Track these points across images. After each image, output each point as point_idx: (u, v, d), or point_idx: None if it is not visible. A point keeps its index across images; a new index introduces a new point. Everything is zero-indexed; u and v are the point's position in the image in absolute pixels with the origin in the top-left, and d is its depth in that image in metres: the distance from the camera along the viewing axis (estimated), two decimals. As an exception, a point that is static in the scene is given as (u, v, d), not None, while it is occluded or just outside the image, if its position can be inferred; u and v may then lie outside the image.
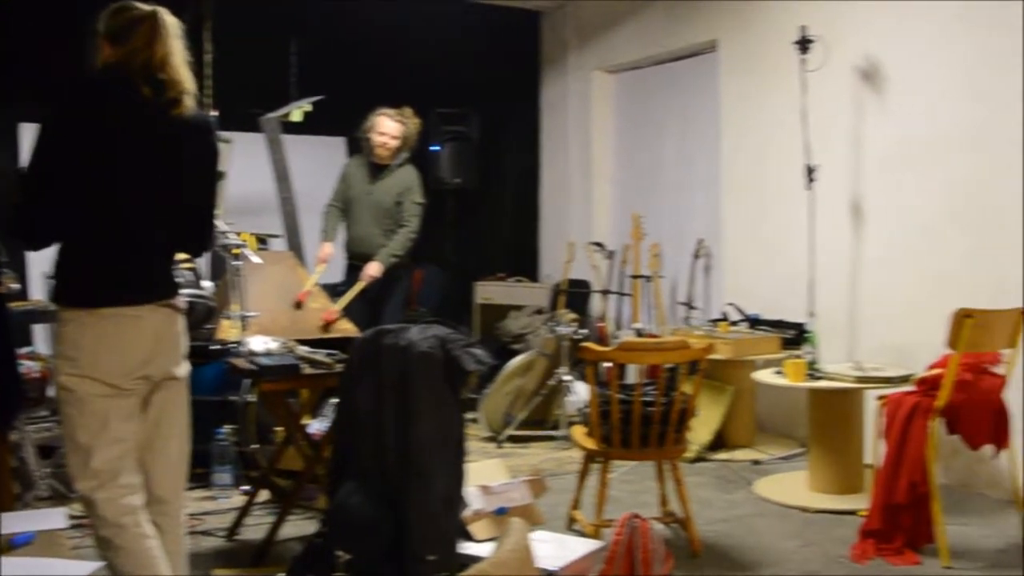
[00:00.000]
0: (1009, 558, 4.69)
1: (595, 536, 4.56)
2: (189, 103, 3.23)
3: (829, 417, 5.59)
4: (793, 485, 5.77)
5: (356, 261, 6.92)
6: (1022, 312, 4.74)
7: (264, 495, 5.05)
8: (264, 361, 4.45)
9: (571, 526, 4.99)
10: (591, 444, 4.73)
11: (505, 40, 9.49)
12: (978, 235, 5.72)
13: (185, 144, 3.25)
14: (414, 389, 3.92)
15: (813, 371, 5.53)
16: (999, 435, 4.79)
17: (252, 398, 5.59)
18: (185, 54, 3.25)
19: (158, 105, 3.16)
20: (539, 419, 7.06)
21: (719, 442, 6.57)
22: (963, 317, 4.51)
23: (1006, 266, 5.53)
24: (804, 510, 5.37)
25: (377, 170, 6.95)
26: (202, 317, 5.17)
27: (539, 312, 8.25)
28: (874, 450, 5.03)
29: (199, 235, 3.46)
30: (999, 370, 4.87)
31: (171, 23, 3.23)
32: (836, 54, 6.36)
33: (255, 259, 5.09)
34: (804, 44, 6.34)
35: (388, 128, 6.86)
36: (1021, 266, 5.45)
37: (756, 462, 6.35)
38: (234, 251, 4.91)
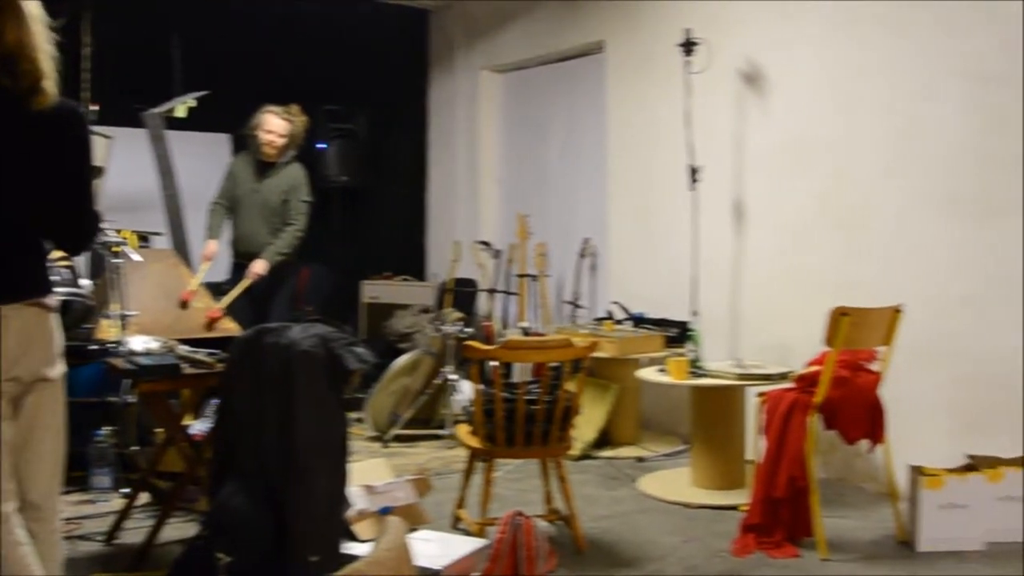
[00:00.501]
0: (883, 549, 4.82)
1: (480, 535, 4.57)
2: (51, 91, 3.10)
3: (711, 414, 5.69)
4: (676, 481, 5.85)
5: (242, 259, 6.84)
6: (896, 310, 4.87)
7: (144, 498, 4.96)
8: (143, 361, 4.36)
9: (456, 525, 4.99)
10: (475, 443, 4.73)
11: (393, 38, 9.45)
12: (853, 235, 5.87)
13: (47, 136, 3.13)
14: (295, 388, 3.88)
15: (696, 369, 5.62)
16: (875, 430, 4.90)
17: (132, 399, 5.48)
18: (48, 39, 3.11)
19: (15, 94, 3.04)
20: (425, 418, 7.04)
21: (604, 440, 6.62)
22: (840, 315, 4.61)
23: (881, 265, 5.69)
24: (687, 506, 5.44)
25: (264, 168, 6.88)
26: (79, 316, 5.03)
27: (425, 311, 8.23)
28: (755, 446, 5.12)
29: (73, 232, 3.34)
30: (875, 367, 4.99)
31: (30, 5, 3.10)
32: (719, 57, 6.47)
33: (135, 257, 5.00)
34: (688, 46, 6.42)
35: (275, 126, 6.79)
36: (896, 265, 5.62)
37: (640, 459, 6.42)
38: (114, 248, 4.81)
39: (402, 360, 7.12)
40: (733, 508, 5.26)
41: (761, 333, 6.37)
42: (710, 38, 6.44)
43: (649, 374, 5.84)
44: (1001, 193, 5.19)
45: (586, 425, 6.42)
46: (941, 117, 5.44)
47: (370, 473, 4.91)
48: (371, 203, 9.57)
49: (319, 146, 8.69)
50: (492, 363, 4.80)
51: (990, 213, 5.24)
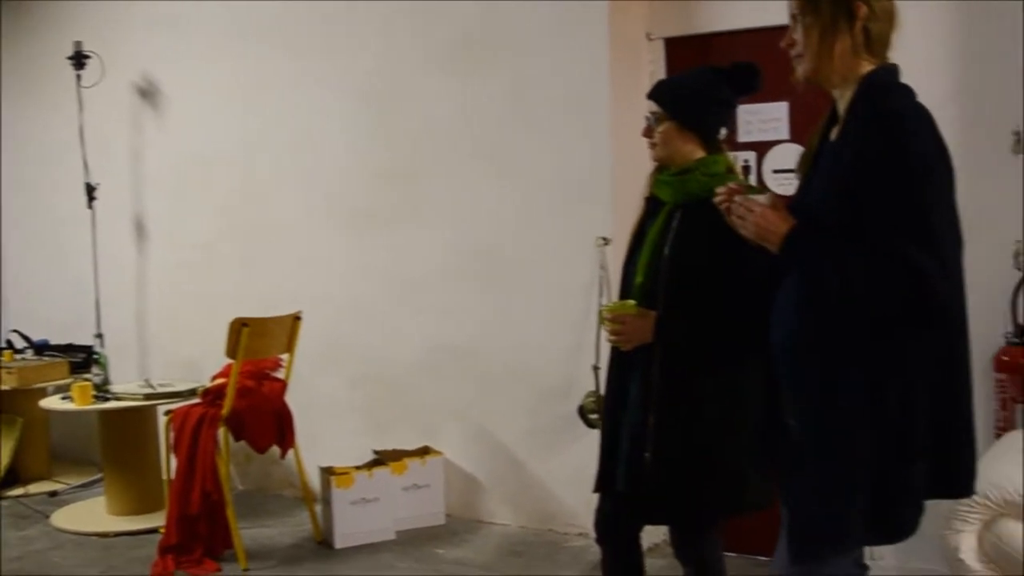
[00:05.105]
0: (303, 552, 4.97)
1: None
2: None
3: (122, 438, 5.53)
4: (92, 512, 5.63)
5: None
6: (296, 317, 5.00)
7: None
8: None
9: None
10: None
11: None
12: (254, 247, 5.98)
13: None
14: None
15: (102, 393, 5.43)
16: (284, 436, 5.02)
17: None
18: None
19: None
20: None
21: (12, 478, 6.21)
22: (240, 326, 4.67)
23: (282, 275, 5.84)
24: (103, 535, 5.26)
25: None
26: None
27: None
28: (169, 466, 5.04)
29: None
30: (280, 374, 5.11)
31: None
32: (113, 71, 6.29)
33: None
34: (80, 60, 6.20)
35: None
36: (296, 274, 5.79)
37: (53, 493, 6.09)
38: None
39: None
40: (153, 531, 5.15)
41: (170, 351, 6.29)
42: (103, 51, 6.25)
43: (53, 403, 5.56)
44: (388, 203, 5.52)
45: (-11, 464, 6.00)
46: (331, 132, 5.68)
47: None
48: None
49: None
50: None
51: (379, 222, 5.55)
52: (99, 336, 6.08)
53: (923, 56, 4.02)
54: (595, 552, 3.30)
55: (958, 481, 2.35)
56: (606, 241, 4.77)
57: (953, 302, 2.18)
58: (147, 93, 6.37)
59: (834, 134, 2.37)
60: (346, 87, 5.61)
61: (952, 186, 2.23)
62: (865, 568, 2.61)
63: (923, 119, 2.23)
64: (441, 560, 4.76)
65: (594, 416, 4.66)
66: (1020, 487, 3.12)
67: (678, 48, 4.93)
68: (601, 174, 4.83)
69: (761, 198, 2.38)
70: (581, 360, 4.85)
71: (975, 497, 3.07)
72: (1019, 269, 4.10)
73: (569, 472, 4.91)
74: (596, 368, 4.69)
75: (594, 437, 4.65)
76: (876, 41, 2.31)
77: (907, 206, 2.14)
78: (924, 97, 2.31)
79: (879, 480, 2.23)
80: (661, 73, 4.86)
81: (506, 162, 5.14)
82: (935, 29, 4.18)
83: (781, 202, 2.40)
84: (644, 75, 4.86)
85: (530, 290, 5.09)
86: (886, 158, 2.17)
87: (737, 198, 2.41)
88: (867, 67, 2.32)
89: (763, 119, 4.68)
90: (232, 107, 6.03)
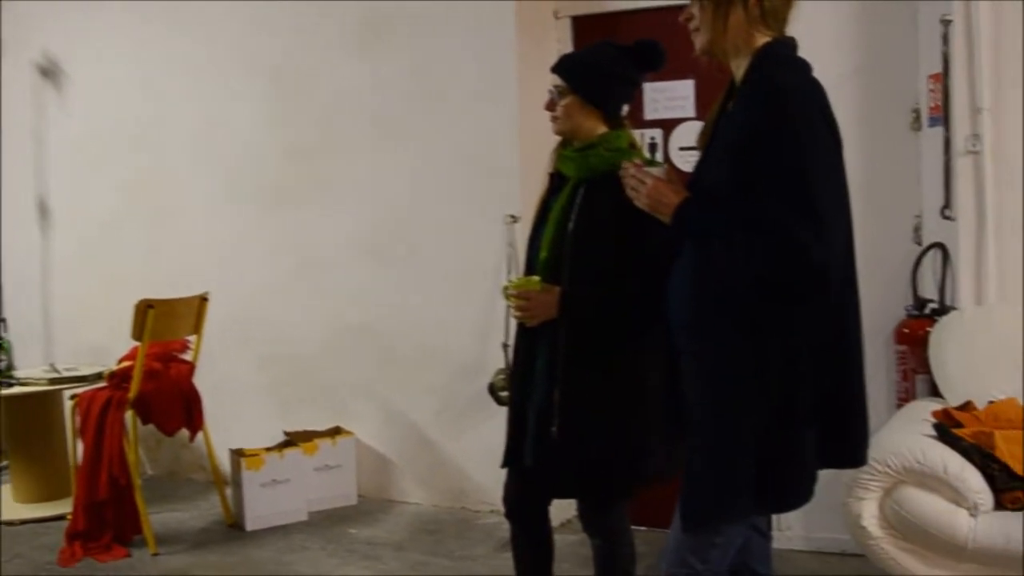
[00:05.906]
0: (214, 535, 4.94)
1: None
2: None
3: (27, 424, 5.43)
4: (-3, 500, 5.53)
5: None
6: (203, 298, 4.95)
7: None
8: None
9: None
10: None
11: None
12: (161, 228, 5.92)
13: None
14: None
15: (6, 378, 5.34)
16: (192, 419, 4.97)
17: None
18: None
19: None
20: None
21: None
22: (145, 308, 4.61)
23: (189, 256, 5.79)
24: (9, 524, 5.15)
25: None
26: None
27: None
28: (76, 451, 4.96)
29: None
30: (188, 356, 5.05)
31: None
32: (13, 50, 6.18)
33: None
34: (-22, 38, 6.08)
35: None
36: (203, 255, 5.74)
37: (-41, 483, 5.98)
38: None
39: None
40: (61, 518, 5.07)
41: (76, 334, 6.15)
42: (2, 29, 6.11)
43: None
44: (294, 183, 5.50)
45: None
46: (237, 111, 5.65)
47: None
48: None
49: None
50: None
51: (285, 201, 5.53)
52: (2, 321, 5.96)
53: (825, 33, 4.12)
54: (507, 528, 3.32)
55: (849, 450, 2.40)
56: (514, 219, 4.79)
57: (831, 270, 2.19)
58: (49, 72, 6.22)
59: (730, 106, 2.40)
60: (252, 66, 5.58)
61: (839, 160, 2.27)
62: (768, 537, 2.66)
63: (811, 92, 2.27)
64: (354, 540, 4.76)
65: (504, 394, 4.66)
66: (919, 455, 3.19)
67: (586, 26, 4.96)
68: (509, 153, 4.85)
69: (656, 170, 2.41)
70: (491, 338, 4.87)
71: (876, 465, 3.16)
72: (918, 243, 4.19)
73: (480, 450, 4.91)
74: (506, 346, 4.69)
75: (505, 415, 4.70)
76: (770, 14, 2.34)
77: (789, 177, 2.17)
78: (825, 74, 2.35)
79: (766, 449, 2.26)
80: (568, 51, 4.87)
81: (414, 141, 5.14)
82: (837, 7, 4.25)
83: (676, 175, 2.43)
84: (551, 53, 4.85)
85: (439, 269, 5.11)
86: (772, 129, 2.20)
87: (632, 170, 2.44)
88: (762, 40, 2.35)
89: (669, 97, 4.72)
90: (136, 86, 5.95)
